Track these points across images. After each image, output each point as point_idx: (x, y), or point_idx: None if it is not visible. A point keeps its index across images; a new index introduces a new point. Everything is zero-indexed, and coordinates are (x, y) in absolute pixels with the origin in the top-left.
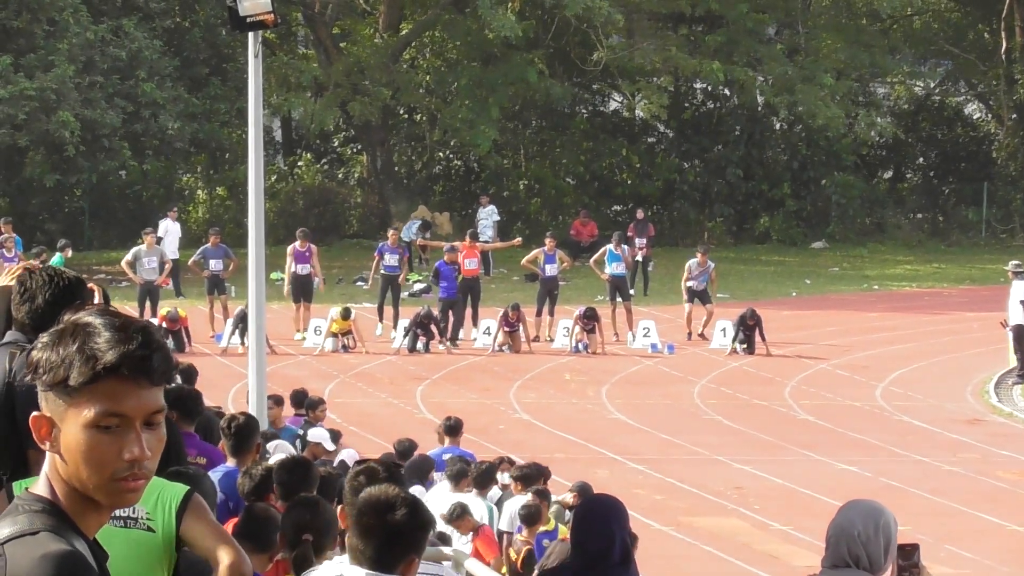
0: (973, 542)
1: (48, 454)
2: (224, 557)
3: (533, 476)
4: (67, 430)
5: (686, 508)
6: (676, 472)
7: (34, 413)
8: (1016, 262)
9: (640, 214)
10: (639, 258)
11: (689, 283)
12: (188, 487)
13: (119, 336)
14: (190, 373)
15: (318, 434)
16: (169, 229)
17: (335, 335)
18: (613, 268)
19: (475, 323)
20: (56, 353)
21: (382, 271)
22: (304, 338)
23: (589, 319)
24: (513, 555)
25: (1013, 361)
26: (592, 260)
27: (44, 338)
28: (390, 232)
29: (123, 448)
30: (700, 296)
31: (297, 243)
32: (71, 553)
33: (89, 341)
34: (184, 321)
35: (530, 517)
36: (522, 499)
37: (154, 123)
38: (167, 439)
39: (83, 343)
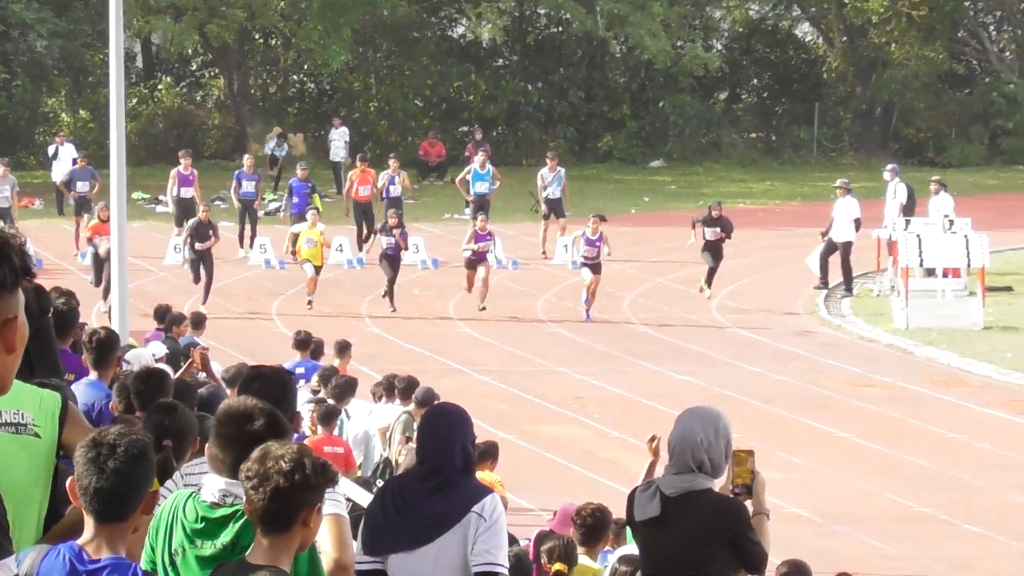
0: (803, 448)
1: None
2: None
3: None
4: None
5: (529, 417)
6: (519, 382)
7: None
8: (844, 180)
9: (479, 134)
10: None
11: (545, 192)
12: (59, 394)
13: None
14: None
15: (137, 355)
16: (61, 154)
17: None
18: (478, 187)
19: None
20: None
21: (240, 197)
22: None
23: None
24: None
25: (812, 268)
26: (457, 180)
27: None
28: (246, 158)
29: None
30: (555, 209)
31: (180, 166)
32: None
33: None
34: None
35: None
36: (387, 407)
37: (23, 42)
38: (45, 349)
39: None
